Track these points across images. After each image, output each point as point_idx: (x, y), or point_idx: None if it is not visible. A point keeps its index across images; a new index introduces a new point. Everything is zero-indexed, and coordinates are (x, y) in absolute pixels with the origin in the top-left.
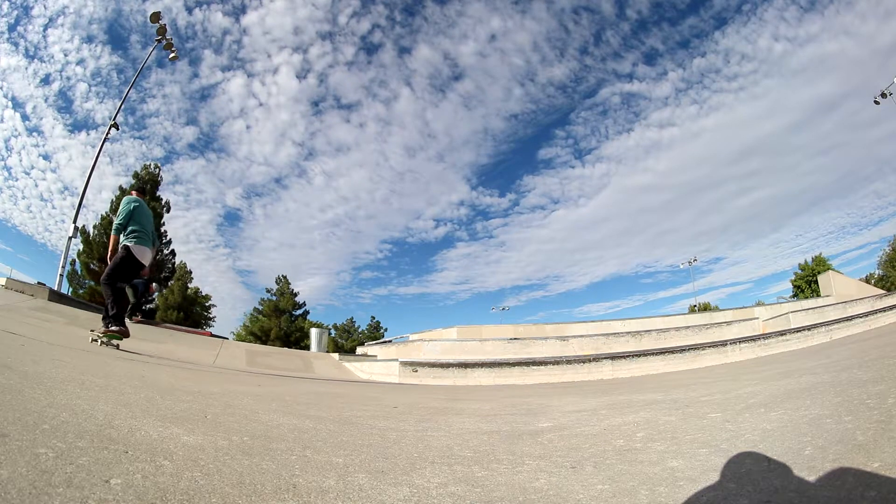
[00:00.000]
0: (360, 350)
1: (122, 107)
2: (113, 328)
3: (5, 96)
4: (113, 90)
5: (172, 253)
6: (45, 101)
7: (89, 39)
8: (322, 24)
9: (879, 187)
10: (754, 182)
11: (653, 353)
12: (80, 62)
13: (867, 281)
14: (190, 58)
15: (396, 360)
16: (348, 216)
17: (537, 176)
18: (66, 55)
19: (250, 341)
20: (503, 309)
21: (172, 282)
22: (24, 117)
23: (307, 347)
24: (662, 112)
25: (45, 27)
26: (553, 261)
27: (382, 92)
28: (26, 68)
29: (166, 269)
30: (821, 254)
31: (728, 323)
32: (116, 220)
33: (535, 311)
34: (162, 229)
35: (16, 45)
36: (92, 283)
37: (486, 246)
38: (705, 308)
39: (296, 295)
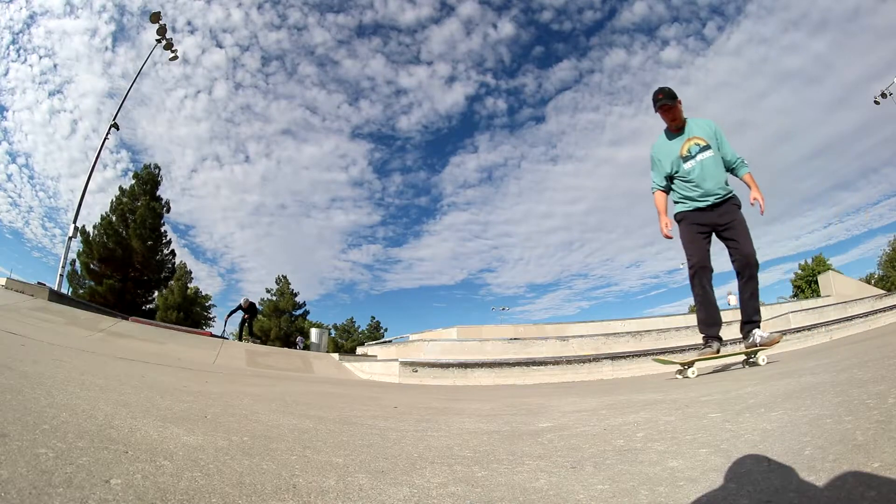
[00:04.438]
0: (360, 350)
1: (122, 107)
2: None
3: None
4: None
5: (172, 253)
6: None
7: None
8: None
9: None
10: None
11: (653, 353)
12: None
13: (867, 281)
14: None
15: (396, 360)
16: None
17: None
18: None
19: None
20: (503, 309)
21: (172, 282)
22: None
23: (307, 347)
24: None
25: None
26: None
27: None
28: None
29: (166, 269)
30: (821, 254)
31: (728, 323)
32: None
33: (537, 311)
34: (162, 229)
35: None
36: (92, 283)
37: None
38: None
39: (296, 295)
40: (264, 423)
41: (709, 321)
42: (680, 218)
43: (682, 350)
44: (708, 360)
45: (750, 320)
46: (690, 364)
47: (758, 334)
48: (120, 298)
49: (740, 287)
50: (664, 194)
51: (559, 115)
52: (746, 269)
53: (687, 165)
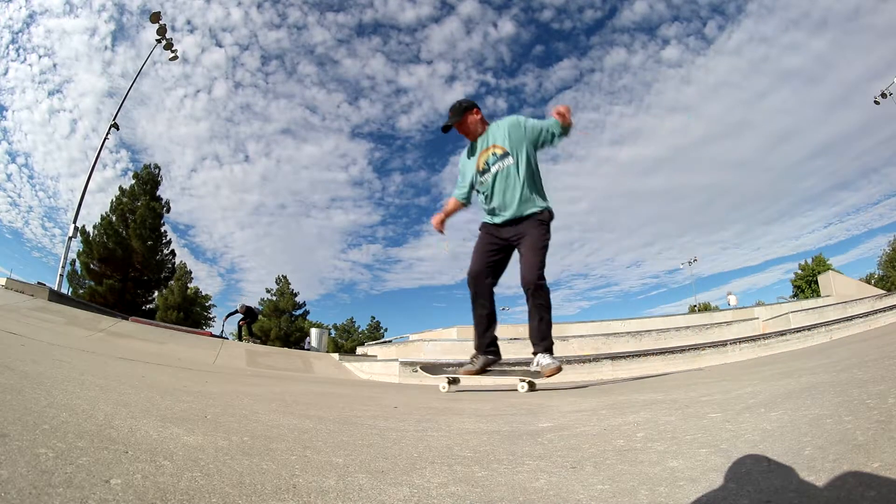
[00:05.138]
0: (360, 350)
1: (122, 107)
2: None
3: None
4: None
5: (172, 253)
6: None
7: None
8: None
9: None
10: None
11: (653, 353)
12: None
13: (867, 281)
14: None
15: (396, 360)
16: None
17: None
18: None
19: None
20: (503, 309)
21: (172, 282)
22: None
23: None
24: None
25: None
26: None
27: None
28: None
29: (166, 269)
30: (821, 254)
31: (728, 323)
32: None
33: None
34: (161, 229)
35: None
36: (92, 283)
37: None
38: (705, 308)
39: (296, 295)
40: (264, 423)
41: (478, 334)
42: (480, 227)
43: (682, 350)
44: (474, 378)
45: (535, 344)
46: (454, 380)
47: (537, 359)
48: (120, 298)
49: (528, 311)
50: (455, 200)
51: None
52: (526, 292)
53: (482, 178)
